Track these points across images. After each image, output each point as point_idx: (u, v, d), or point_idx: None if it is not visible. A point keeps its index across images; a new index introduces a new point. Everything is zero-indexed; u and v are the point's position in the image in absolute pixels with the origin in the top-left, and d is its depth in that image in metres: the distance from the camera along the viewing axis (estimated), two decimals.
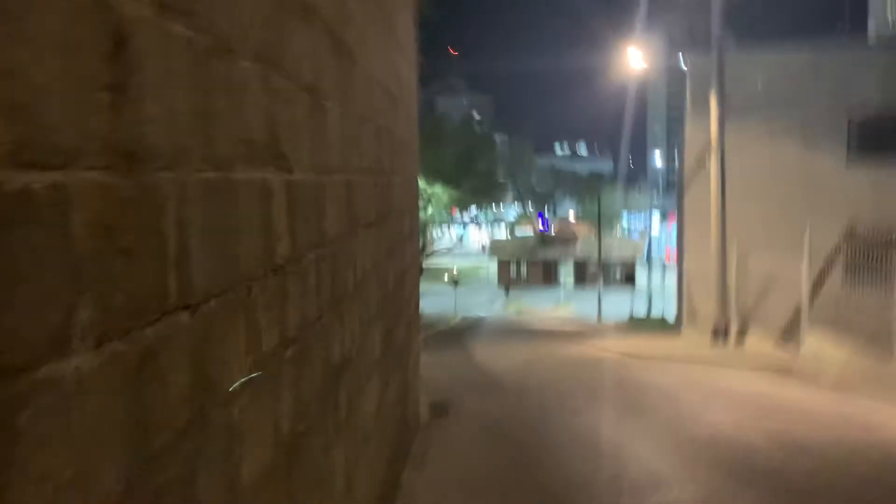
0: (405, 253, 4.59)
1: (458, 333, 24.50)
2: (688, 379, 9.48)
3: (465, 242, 67.53)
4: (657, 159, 69.34)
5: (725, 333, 14.36)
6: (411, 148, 5.94)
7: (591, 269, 53.83)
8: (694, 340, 15.86)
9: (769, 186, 17.92)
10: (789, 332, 13.32)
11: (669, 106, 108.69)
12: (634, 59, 19.74)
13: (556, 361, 12.39)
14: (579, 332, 26.15)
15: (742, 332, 14.37)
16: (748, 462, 5.15)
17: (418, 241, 5.94)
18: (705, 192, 19.02)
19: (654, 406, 7.10)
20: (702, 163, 18.19)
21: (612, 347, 14.52)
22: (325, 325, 2.36)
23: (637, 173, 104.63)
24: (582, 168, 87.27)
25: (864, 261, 13.37)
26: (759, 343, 13.77)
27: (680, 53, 18.88)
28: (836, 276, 14.86)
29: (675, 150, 39.62)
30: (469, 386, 9.32)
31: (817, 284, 14.20)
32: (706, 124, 18.67)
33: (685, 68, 19.26)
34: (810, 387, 9.05)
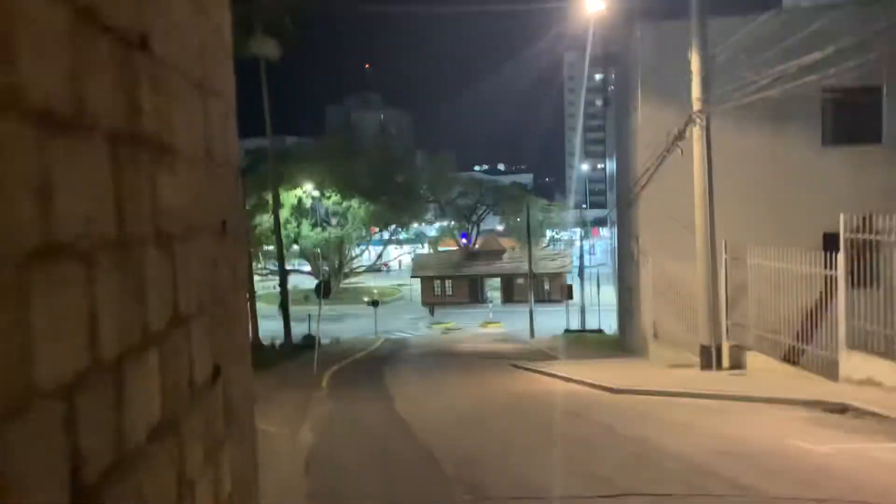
0: None
1: (379, 362, 20.65)
2: (734, 438, 6.06)
3: (386, 260, 63.72)
4: (580, 166, 67.44)
5: (718, 354, 11.18)
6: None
7: (520, 283, 50.95)
8: (672, 363, 12.64)
9: (745, 176, 15.09)
10: (803, 349, 10.21)
11: (588, 115, 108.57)
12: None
13: (514, 407, 8.80)
14: (519, 353, 22.84)
15: (738, 351, 11.20)
16: None
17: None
18: (665, 188, 16.07)
19: None
20: (658, 155, 15.22)
21: (576, 376, 11.08)
22: None
23: (555, 185, 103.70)
24: (503, 181, 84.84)
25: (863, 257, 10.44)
26: (763, 365, 10.62)
27: (634, 23, 15.88)
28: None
29: (609, 154, 37.10)
30: (386, 474, 5.59)
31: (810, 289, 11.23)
32: (662, 109, 15.77)
33: (638, 38, 16.31)
34: None
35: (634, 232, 19.10)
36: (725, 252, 11.63)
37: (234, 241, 2.49)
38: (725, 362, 11.20)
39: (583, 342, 27.62)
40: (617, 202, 25.77)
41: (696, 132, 11.01)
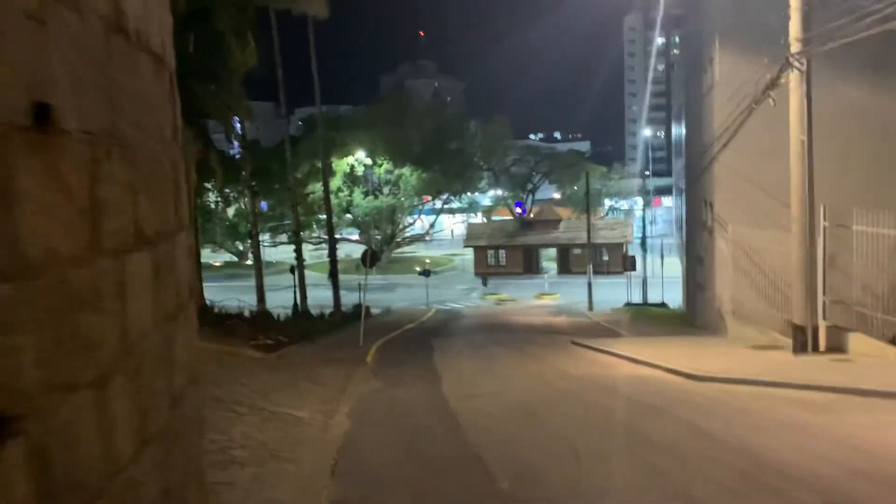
0: None
1: (428, 334, 19.69)
2: (867, 449, 4.75)
3: (438, 229, 62.83)
4: (644, 132, 64.68)
5: (815, 335, 9.72)
6: None
7: (576, 253, 49.29)
8: (755, 343, 11.22)
9: (839, 134, 13.32)
10: None
11: (656, 80, 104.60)
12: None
13: (579, 396, 7.59)
14: (578, 327, 21.56)
15: (837, 332, 9.71)
16: None
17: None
18: (745, 149, 14.46)
19: None
20: (742, 110, 13.56)
21: (647, 358, 9.80)
22: None
23: (614, 153, 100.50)
24: (559, 148, 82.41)
25: None
26: (869, 349, 9.13)
27: None
28: None
29: (676, 119, 34.94)
30: (425, 485, 4.51)
31: None
32: (743, 60, 14.10)
33: None
34: None
35: (708, 198, 17.49)
36: (824, 218, 10.07)
37: (90, 150, 1.33)
38: (822, 345, 9.74)
39: (646, 316, 26.11)
40: (686, 168, 24.02)
41: (793, 78, 9.43)
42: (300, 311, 25.54)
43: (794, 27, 9.35)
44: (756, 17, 13.52)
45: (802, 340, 9.68)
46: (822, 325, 9.89)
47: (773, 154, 13.44)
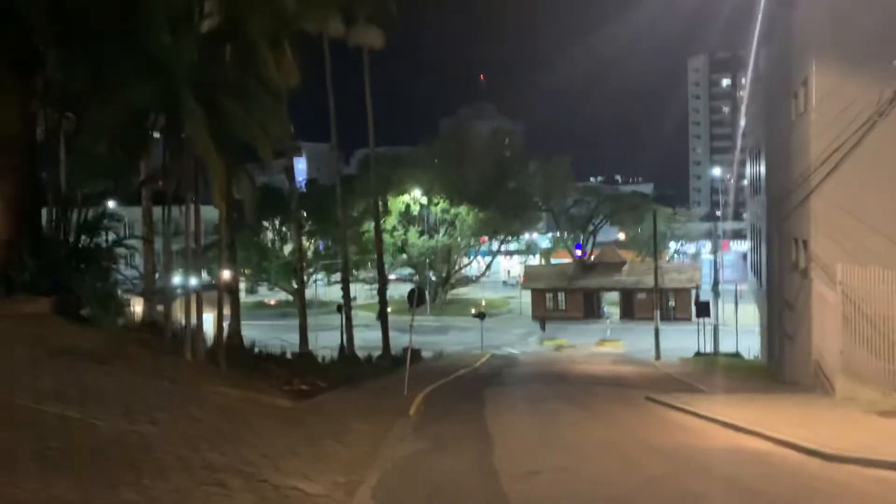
0: None
1: (482, 383, 17.91)
2: None
3: (495, 271, 61.11)
4: (712, 172, 62.01)
5: None
6: None
7: (641, 298, 46.77)
8: (877, 407, 9.13)
9: None
10: None
11: (713, 122, 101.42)
12: None
13: (674, 482, 5.76)
14: (646, 379, 19.48)
15: None
16: None
17: None
18: (850, 182, 12.57)
19: None
20: (854, 132, 11.67)
21: (747, 424, 7.89)
22: None
23: (677, 196, 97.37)
24: (622, 190, 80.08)
25: None
26: None
27: None
28: None
29: (751, 157, 32.80)
30: None
31: None
32: (847, 79, 12.34)
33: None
34: None
35: (800, 236, 15.40)
36: None
37: None
38: None
39: (720, 368, 23.69)
40: (768, 206, 21.87)
41: None
42: (346, 354, 24.07)
43: None
44: (869, 23, 11.79)
45: None
46: None
47: (891, 183, 11.50)
